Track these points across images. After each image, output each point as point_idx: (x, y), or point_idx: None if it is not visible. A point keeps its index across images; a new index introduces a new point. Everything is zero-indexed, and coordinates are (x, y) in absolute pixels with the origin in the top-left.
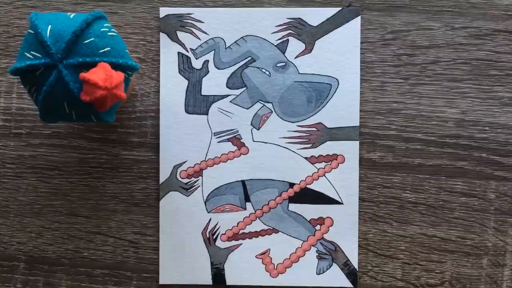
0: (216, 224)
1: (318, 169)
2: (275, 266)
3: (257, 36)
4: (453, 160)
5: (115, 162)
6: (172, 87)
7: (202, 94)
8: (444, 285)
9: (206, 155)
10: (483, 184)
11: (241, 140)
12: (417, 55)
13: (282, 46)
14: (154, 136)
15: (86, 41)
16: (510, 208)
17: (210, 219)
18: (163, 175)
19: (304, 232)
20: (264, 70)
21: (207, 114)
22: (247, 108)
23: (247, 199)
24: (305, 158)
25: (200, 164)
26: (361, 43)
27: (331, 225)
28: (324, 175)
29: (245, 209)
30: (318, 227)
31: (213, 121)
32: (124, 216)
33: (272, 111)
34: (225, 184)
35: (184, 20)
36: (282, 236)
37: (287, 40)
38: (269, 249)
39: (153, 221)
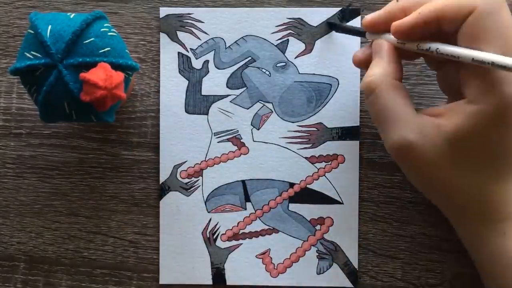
0: (216, 224)
1: (318, 169)
2: (275, 266)
3: (257, 36)
4: None
5: (115, 162)
6: (172, 87)
7: (202, 94)
8: (444, 285)
9: (206, 155)
10: None
11: (241, 140)
12: None
13: (282, 46)
14: (154, 136)
15: (86, 41)
16: None
17: (210, 219)
18: (163, 175)
19: (304, 232)
20: (264, 70)
21: (207, 114)
22: (247, 108)
23: (247, 199)
24: (305, 158)
25: (200, 164)
26: (361, 43)
27: (331, 225)
28: (324, 175)
29: (245, 209)
30: (318, 227)
31: (213, 121)
32: (124, 216)
33: (272, 111)
34: (225, 184)
35: (184, 20)
36: (282, 236)
37: (287, 40)
38: (269, 249)
39: (153, 221)
